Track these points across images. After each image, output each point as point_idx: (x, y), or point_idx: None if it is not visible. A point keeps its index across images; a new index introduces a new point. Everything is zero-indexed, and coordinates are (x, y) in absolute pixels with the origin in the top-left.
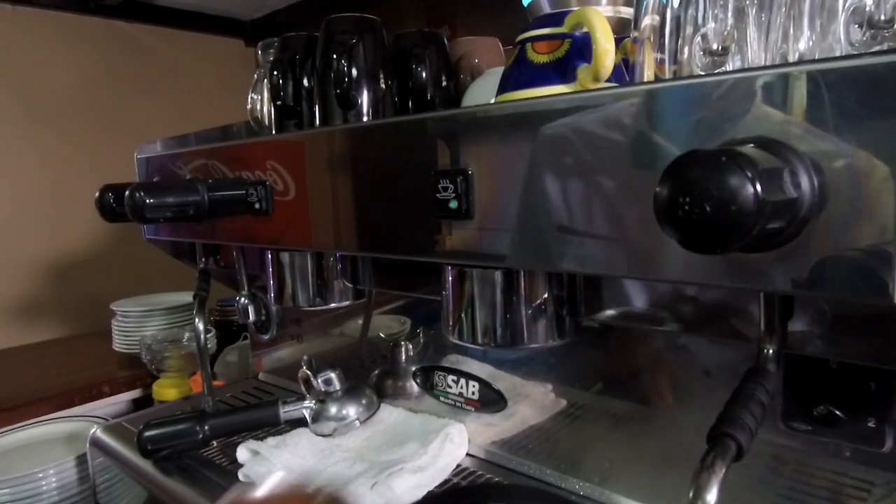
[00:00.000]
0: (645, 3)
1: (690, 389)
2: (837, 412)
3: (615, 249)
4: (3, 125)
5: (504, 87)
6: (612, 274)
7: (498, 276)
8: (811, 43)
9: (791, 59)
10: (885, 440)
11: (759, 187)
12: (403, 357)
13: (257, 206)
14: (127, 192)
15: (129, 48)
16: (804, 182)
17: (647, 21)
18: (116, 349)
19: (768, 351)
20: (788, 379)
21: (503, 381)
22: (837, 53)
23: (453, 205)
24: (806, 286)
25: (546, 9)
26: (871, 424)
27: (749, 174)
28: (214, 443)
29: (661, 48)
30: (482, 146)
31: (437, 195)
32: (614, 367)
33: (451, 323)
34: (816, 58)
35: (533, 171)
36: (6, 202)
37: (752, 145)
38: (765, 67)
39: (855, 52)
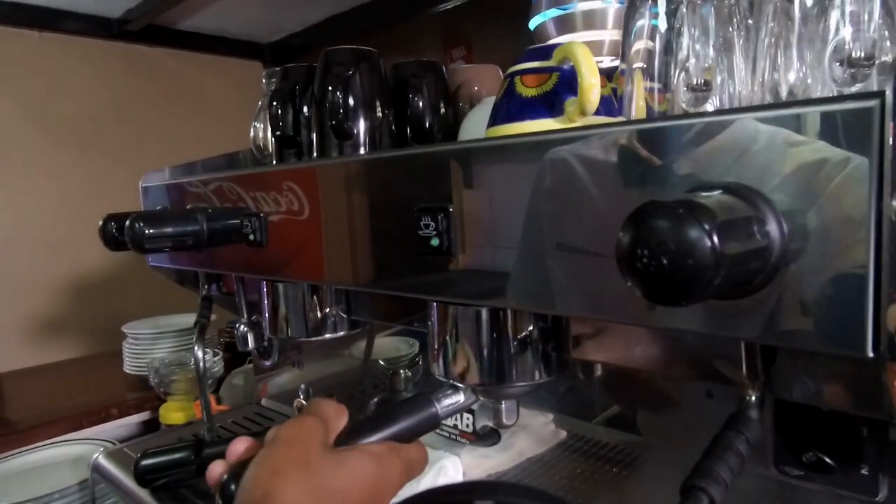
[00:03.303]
0: (635, 31)
1: (704, 425)
2: (827, 459)
3: (588, 292)
4: (28, 147)
5: (494, 119)
6: (587, 317)
7: (480, 313)
8: (801, 74)
9: (783, 89)
10: (878, 488)
11: (716, 240)
12: (402, 385)
13: (251, 237)
14: (127, 223)
15: (152, 72)
16: (773, 230)
17: (640, 46)
18: (127, 371)
19: (751, 397)
20: (778, 423)
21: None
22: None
23: (434, 242)
24: (777, 336)
25: (553, 33)
26: (864, 472)
27: (706, 227)
28: None
29: (651, 77)
30: (463, 183)
31: (419, 232)
32: (620, 397)
33: (436, 359)
34: (785, 98)
35: (513, 209)
36: (29, 224)
37: (719, 192)
38: (735, 110)
39: (837, 90)
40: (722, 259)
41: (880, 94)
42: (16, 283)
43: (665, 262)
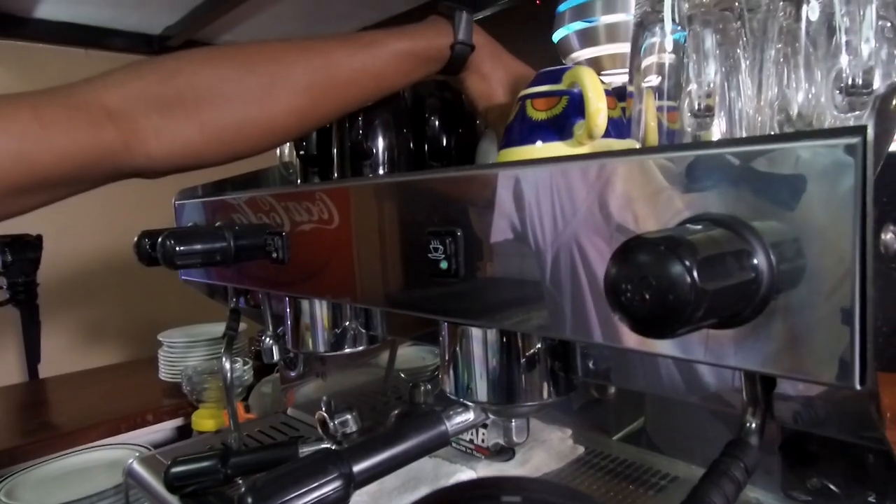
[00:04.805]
0: (644, 48)
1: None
2: (831, 486)
3: (583, 316)
4: None
5: (506, 142)
6: (583, 340)
7: (488, 333)
8: (810, 95)
9: (793, 109)
10: None
11: (696, 276)
12: (422, 398)
13: (274, 255)
14: (159, 240)
15: None
16: (762, 263)
17: (649, 64)
18: (162, 378)
19: (751, 423)
20: (784, 448)
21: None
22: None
23: (444, 265)
24: (765, 366)
25: (576, 46)
26: (871, 500)
27: (687, 263)
28: (239, 479)
29: (661, 95)
30: (471, 207)
31: (429, 255)
32: (641, 413)
33: (446, 377)
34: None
35: (519, 232)
36: (75, 237)
37: (708, 224)
38: (720, 143)
39: (840, 117)
40: (702, 295)
41: (862, 130)
42: (61, 294)
43: (647, 297)
